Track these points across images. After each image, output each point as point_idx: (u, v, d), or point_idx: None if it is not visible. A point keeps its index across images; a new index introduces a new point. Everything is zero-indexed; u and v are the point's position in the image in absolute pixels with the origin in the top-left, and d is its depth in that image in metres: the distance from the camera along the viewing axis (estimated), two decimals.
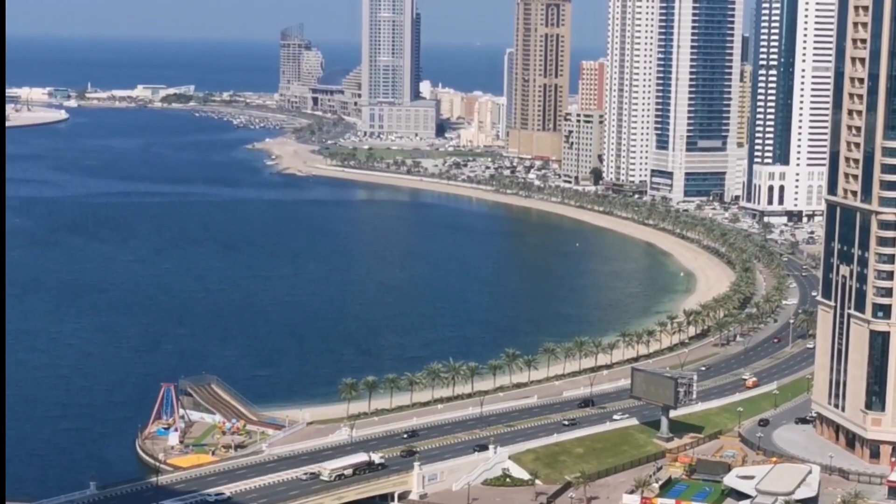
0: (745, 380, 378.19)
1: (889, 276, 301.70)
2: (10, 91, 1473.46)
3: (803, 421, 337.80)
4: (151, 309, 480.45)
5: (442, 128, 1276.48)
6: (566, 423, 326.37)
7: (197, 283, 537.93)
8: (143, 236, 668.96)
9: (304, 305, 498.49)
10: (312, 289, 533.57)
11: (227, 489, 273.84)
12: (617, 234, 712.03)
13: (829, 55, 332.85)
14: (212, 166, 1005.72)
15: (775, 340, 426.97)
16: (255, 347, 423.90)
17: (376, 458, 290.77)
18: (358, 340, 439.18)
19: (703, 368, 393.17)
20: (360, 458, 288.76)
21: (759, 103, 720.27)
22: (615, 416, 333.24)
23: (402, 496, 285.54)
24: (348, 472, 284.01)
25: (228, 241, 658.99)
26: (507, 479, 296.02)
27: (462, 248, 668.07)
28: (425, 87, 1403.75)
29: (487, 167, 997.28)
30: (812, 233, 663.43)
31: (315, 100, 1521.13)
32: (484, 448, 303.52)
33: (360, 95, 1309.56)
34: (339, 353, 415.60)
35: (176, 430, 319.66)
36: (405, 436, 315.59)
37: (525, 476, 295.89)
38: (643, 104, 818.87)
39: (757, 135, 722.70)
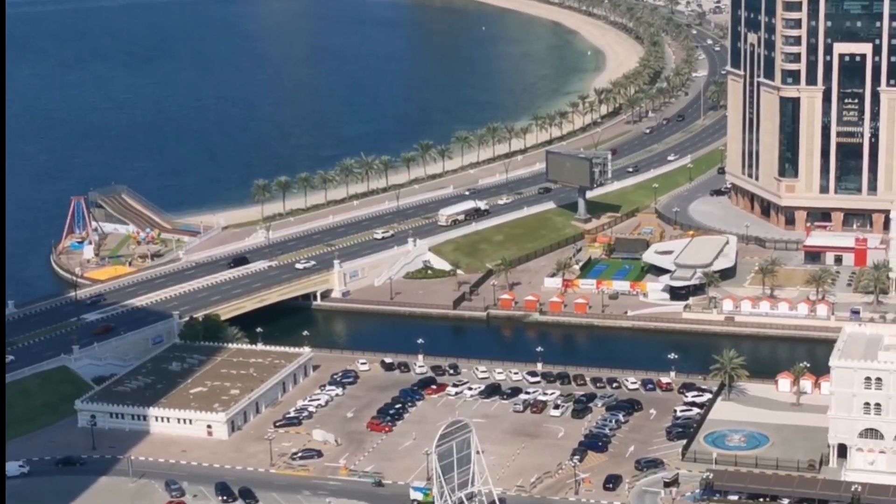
0: None
1: (797, 41, 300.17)
2: None
3: (718, 193, 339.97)
4: (55, 125, 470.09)
5: None
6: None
7: (101, 95, 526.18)
8: (42, 50, 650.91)
9: (212, 110, 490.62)
10: (219, 93, 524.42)
11: (151, 297, 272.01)
12: (522, 14, 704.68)
13: None
14: None
15: (647, 131, 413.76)
16: (164, 156, 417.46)
17: (481, 204, 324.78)
18: (269, 142, 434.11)
19: (647, 131, 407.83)
20: (470, 205, 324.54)
21: None
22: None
23: (325, 295, 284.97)
24: (460, 217, 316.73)
25: (130, 49, 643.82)
26: (429, 271, 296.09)
27: (369, 40, 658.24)
28: None
29: None
30: (719, 2, 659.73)
31: None
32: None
33: None
34: (251, 156, 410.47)
35: (90, 242, 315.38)
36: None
37: (446, 267, 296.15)
38: None
39: None
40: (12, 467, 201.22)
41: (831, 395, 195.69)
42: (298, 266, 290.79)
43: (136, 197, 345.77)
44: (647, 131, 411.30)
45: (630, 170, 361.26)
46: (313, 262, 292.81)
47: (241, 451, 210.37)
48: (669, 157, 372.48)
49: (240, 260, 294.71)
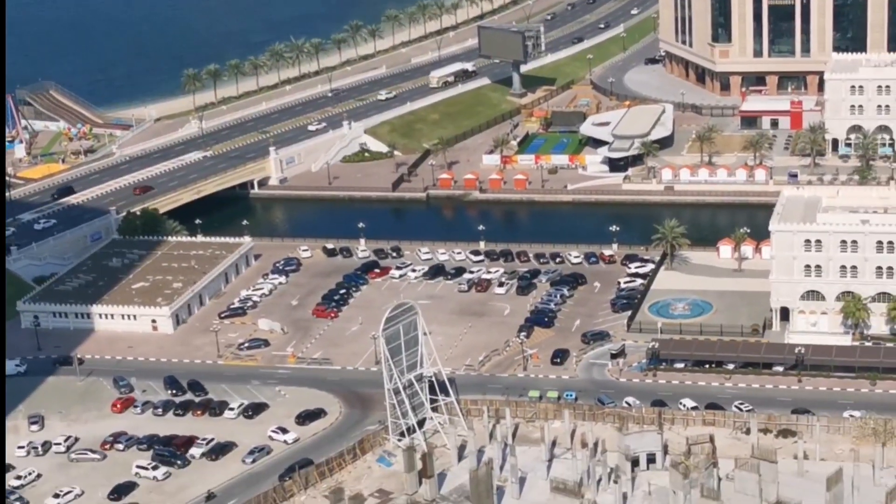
0: None
1: None
2: None
3: (653, 61, 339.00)
4: None
5: None
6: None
7: None
8: None
9: (137, 0, 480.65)
10: None
11: (87, 194, 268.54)
12: None
13: None
14: None
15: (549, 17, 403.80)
16: (90, 50, 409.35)
17: (469, 66, 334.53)
18: (197, 30, 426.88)
19: (549, 17, 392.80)
20: (458, 66, 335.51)
21: None
22: None
23: (262, 183, 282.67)
24: (450, 78, 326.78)
25: None
26: (366, 154, 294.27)
27: None
28: None
29: None
30: None
31: None
32: None
33: None
34: (179, 45, 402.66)
35: (21, 141, 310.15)
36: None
37: (383, 149, 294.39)
38: None
39: None
40: (9, 366, 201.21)
41: (772, 259, 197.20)
42: (311, 128, 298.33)
43: (66, 93, 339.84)
44: (549, 17, 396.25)
45: (601, 26, 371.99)
46: (324, 125, 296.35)
47: (188, 344, 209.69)
48: (633, 11, 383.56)
49: (65, 190, 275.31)
